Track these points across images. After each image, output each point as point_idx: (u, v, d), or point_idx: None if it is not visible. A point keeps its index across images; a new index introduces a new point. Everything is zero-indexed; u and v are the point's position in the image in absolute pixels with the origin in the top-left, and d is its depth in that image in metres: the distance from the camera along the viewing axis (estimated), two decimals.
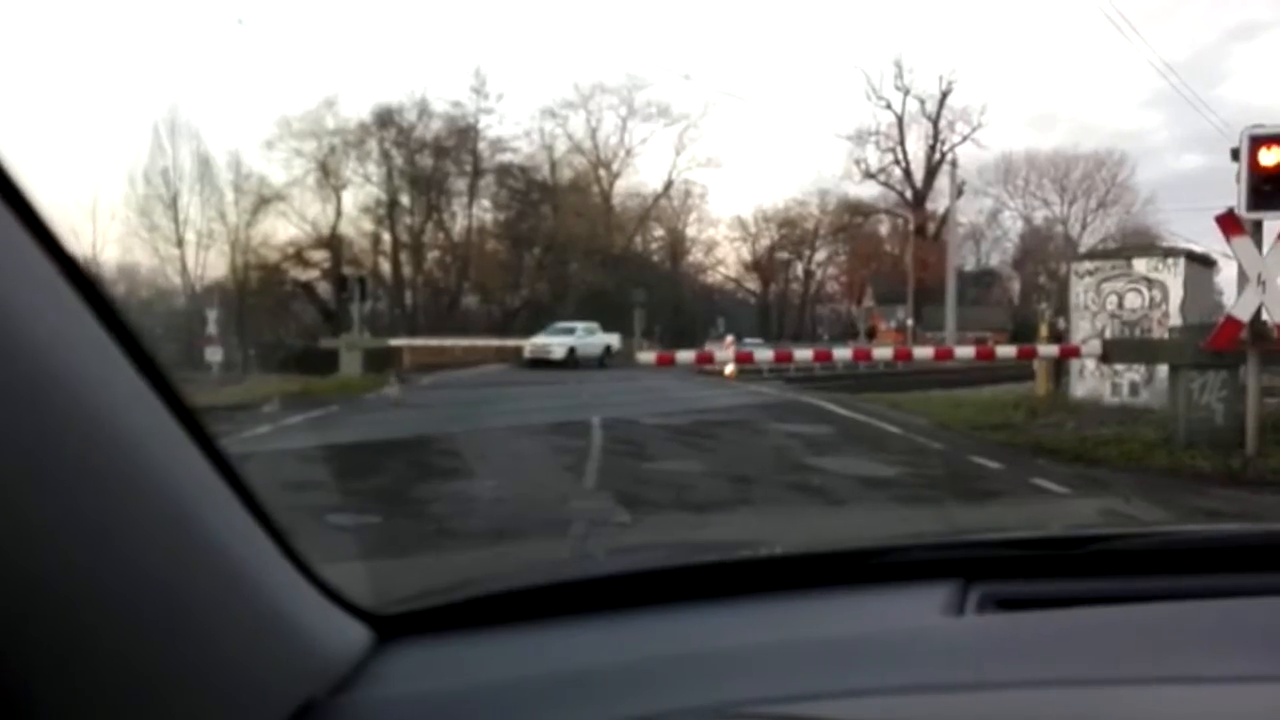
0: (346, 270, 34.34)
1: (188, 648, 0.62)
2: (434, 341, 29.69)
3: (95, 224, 41.08)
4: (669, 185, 46.51)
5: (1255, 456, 8.31)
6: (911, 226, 44.80)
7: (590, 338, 28.85)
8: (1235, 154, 8.47)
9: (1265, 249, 8.54)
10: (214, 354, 19.24)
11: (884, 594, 0.95)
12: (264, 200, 37.14)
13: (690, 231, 48.55)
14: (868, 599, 0.95)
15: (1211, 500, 7.07)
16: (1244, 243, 8.56)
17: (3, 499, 0.51)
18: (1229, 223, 8.55)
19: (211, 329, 20.16)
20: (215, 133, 54.14)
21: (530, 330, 30.32)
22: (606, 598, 0.95)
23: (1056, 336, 15.06)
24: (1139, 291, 13.93)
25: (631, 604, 0.93)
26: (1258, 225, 8.55)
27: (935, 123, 45.74)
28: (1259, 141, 8.38)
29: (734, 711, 0.71)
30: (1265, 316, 8.55)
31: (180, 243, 34.89)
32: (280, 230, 38.01)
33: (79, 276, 0.60)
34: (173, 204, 34.78)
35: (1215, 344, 8.91)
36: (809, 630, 0.86)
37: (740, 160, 67.67)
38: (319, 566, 0.81)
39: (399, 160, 40.93)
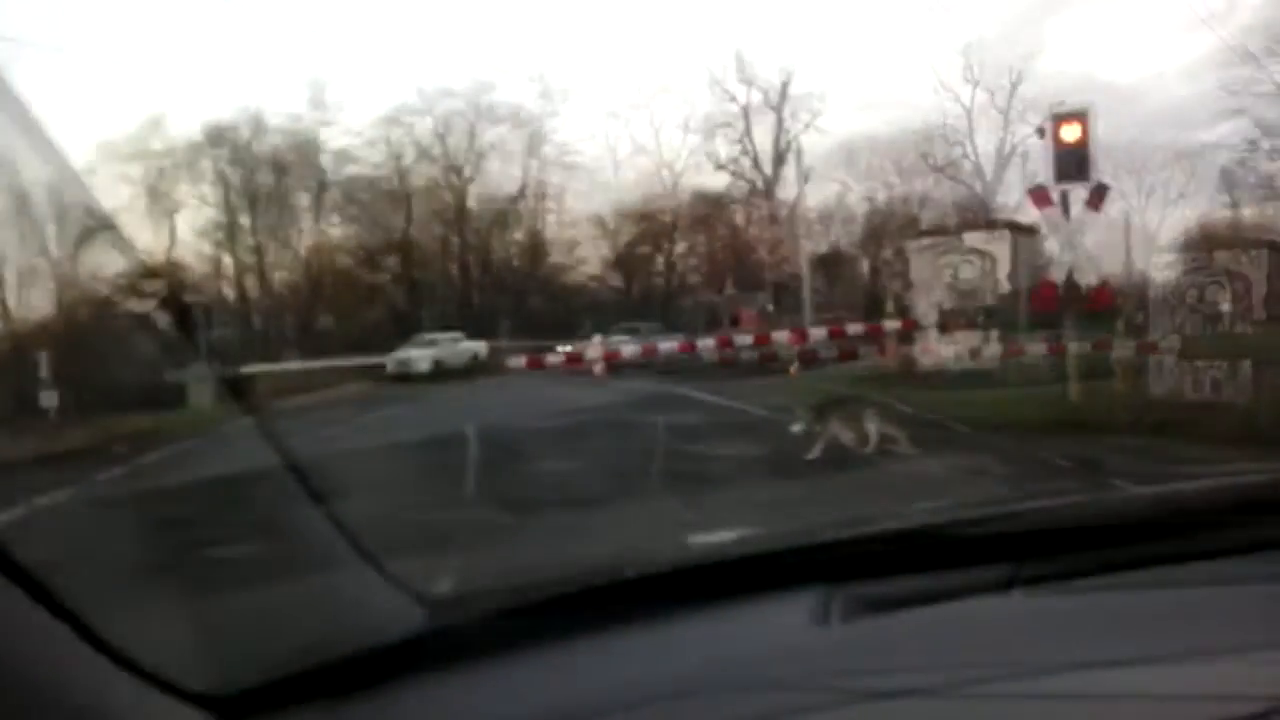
0: (187, 298, 32.56)
1: None
2: (290, 365, 28.56)
3: None
4: (524, 187, 46.30)
5: (1079, 405, 9.14)
6: (765, 214, 46.28)
7: (456, 347, 28.43)
8: (1041, 132, 9.29)
9: (1073, 215, 9.41)
10: (49, 399, 17.89)
11: (751, 608, 0.94)
12: (89, 230, 34.74)
13: (549, 233, 48.48)
14: (735, 615, 0.93)
15: (1043, 449, 7.77)
16: (1053, 212, 9.38)
17: None
18: (1039, 195, 9.35)
19: (44, 372, 18.74)
20: (28, 162, 50.08)
21: (391, 345, 29.58)
22: (468, 645, 0.90)
23: (903, 311, 16.01)
24: (971, 263, 14.98)
25: (496, 648, 0.89)
26: (1065, 195, 9.40)
27: (778, 113, 47.35)
28: (1061, 119, 9.21)
29: None
30: (1077, 278, 9.42)
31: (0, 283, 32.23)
32: (110, 261, 35.64)
33: None
34: None
35: (1036, 305, 9.76)
36: (678, 659, 0.84)
37: (594, 158, 67.82)
38: (139, 646, 0.72)
39: (235, 179, 39.10)
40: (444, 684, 0.85)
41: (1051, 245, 15.69)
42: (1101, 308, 9.94)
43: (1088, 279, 9.54)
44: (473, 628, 0.96)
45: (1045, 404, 9.27)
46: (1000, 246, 15.12)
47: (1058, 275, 9.59)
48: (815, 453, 7.55)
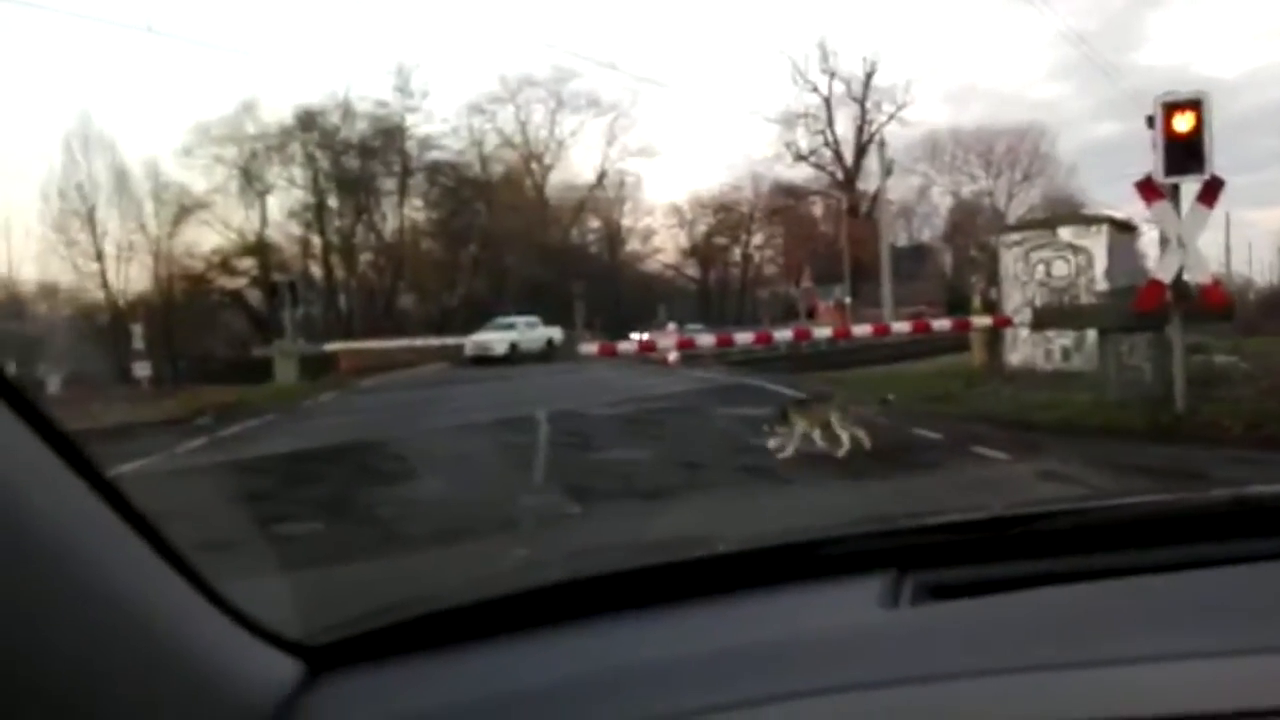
0: (276, 276, 33.59)
1: (85, 699, 0.58)
2: (372, 344, 29.17)
3: (9, 242, 39.48)
4: (602, 176, 46.37)
5: (1185, 412, 8.59)
6: (844, 206, 45.38)
7: (532, 332, 28.66)
8: (1150, 121, 8.72)
9: (1183, 211, 8.82)
10: (142, 369, 18.66)
11: (820, 590, 0.95)
12: (185, 209, 36.15)
13: (626, 221, 48.50)
14: (804, 596, 0.94)
15: (1146, 457, 7.29)
16: (1163, 207, 8.82)
17: None
18: (1148, 188, 8.80)
19: (138, 343, 19.54)
20: (130, 142, 52.33)
21: (470, 328, 29.98)
22: (541, 610, 0.94)
23: (989, 307, 15.41)
24: (1065, 259, 14.33)
25: (567, 615, 0.93)
26: (1175, 189, 8.82)
27: (861, 104, 46.36)
28: (1172, 108, 8.63)
29: None
30: (1186, 277, 8.84)
31: (100, 257, 33.79)
32: (204, 239, 37.07)
33: None
34: (90, 218, 33.66)
35: (1141, 306, 9.19)
36: (745, 634, 0.85)
37: (673, 147, 67.51)
38: (237, 598, 0.77)
39: (324, 162, 40.08)
40: (513, 647, 0.88)
41: (1147, 242, 14.96)
42: (1215, 308, 9.29)
43: (1198, 278, 8.90)
44: (542, 596, 1.00)
45: (1144, 408, 8.77)
46: (1096, 242, 14.43)
47: (1163, 274, 9.00)
48: (788, 453, 7.31)
